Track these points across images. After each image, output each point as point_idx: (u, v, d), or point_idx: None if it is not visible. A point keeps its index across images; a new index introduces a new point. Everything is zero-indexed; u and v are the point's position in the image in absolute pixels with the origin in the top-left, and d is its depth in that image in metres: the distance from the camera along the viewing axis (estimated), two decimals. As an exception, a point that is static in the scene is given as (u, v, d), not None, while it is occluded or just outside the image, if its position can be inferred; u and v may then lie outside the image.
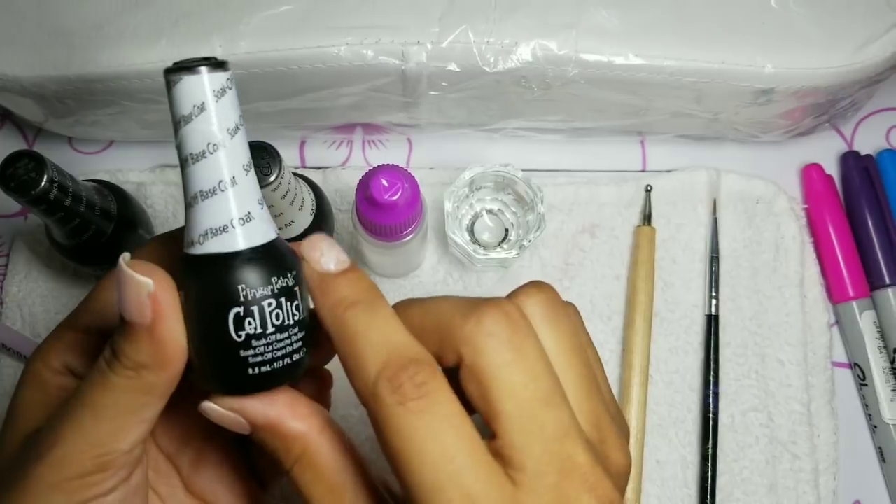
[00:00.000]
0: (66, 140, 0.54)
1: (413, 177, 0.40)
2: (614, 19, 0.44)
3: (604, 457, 0.23)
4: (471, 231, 0.49)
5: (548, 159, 0.54)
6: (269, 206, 0.40)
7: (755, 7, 0.44)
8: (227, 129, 0.23)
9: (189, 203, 0.23)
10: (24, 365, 0.28)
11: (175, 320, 0.23)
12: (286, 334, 0.24)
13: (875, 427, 0.50)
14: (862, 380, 0.50)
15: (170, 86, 0.22)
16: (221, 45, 0.43)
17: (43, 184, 0.38)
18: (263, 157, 0.38)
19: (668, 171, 0.53)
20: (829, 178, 0.53)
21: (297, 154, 0.54)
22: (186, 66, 0.22)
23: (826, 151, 0.55)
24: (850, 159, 0.53)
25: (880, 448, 0.50)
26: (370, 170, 0.39)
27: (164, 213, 0.51)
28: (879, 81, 0.47)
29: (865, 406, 0.50)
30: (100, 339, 0.28)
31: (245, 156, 0.23)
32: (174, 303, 0.23)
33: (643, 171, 0.54)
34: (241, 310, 0.23)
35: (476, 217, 0.49)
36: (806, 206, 0.53)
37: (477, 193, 0.49)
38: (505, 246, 0.48)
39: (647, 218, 0.51)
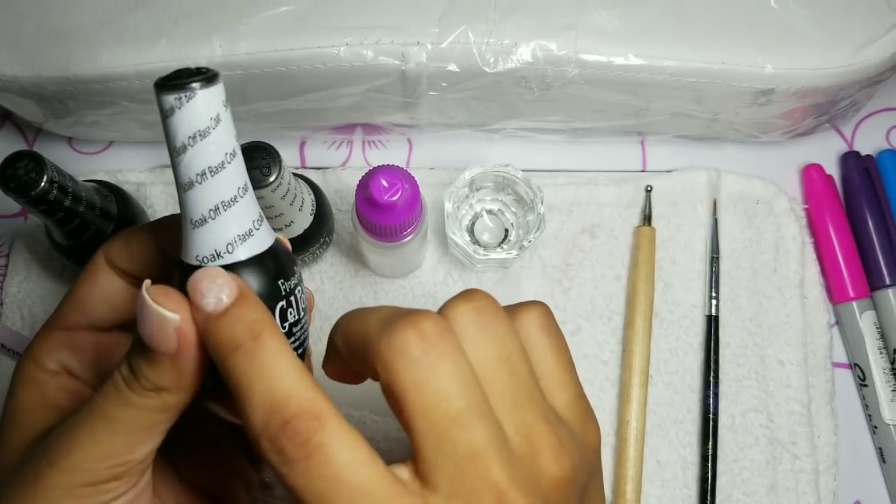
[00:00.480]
0: (66, 140, 0.54)
1: (413, 177, 0.40)
2: (614, 20, 0.44)
3: (532, 470, 0.22)
4: (471, 231, 0.49)
5: (548, 160, 0.54)
6: (269, 207, 0.40)
7: (755, 7, 0.44)
8: (235, 137, 0.23)
9: (210, 212, 0.24)
10: (15, 370, 0.28)
11: (197, 348, 0.23)
12: (306, 317, 0.26)
13: (875, 427, 0.50)
14: (862, 380, 0.50)
15: (170, 111, 0.22)
16: (221, 46, 0.43)
17: (43, 184, 0.38)
18: (263, 158, 0.38)
19: (668, 171, 0.53)
20: (830, 178, 0.53)
21: (297, 154, 0.54)
22: (176, 86, 0.22)
23: (826, 152, 0.55)
24: (851, 159, 0.53)
25: (880, 448, 0.50)
26: (370, 170, 0.39)
27: (163, 213, 0.51)
28: (879, 82, 0.47)
29: (865, 406, 0.50)
30: (89, 334, 0.28)
31: (243, 174, 0.24)
32: (196, 331, 0.23)
33: (643, 171, 0.54)
34: (283, 303, 0.24)
35: (476, 217, 0.49)
36: (806, 206, 0.53)
37: (477, 194, 0.49)
38: (505, 246, 0.48)
39: (647, 218, 0.51)
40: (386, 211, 0.39)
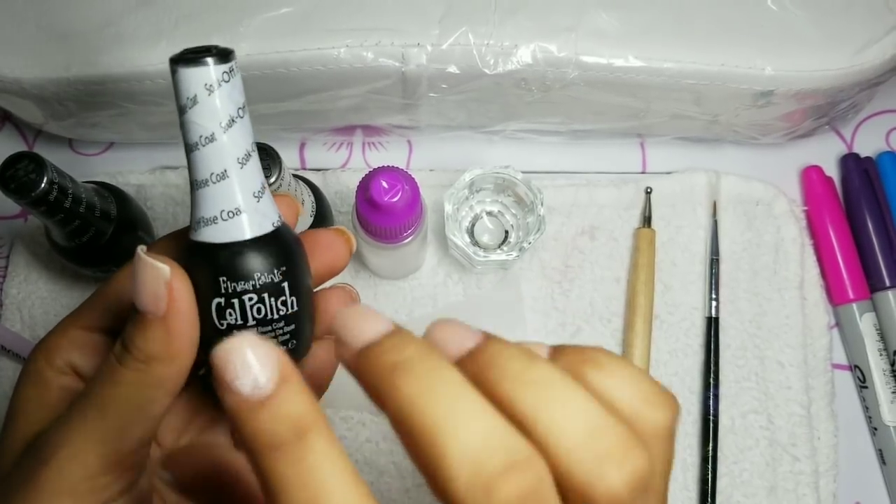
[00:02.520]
0: (67, 142, 0.54)
1: (413, 179, 0.40)
2: (614, 22, 0.44)
3: None
4: (471, 233, 0.49)
5: (548, 161, 0.54)
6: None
7: (755, 9, 0.44)
8: (220, 123, 0.23)
9: (190, 187, 0.24)
10: (26, 361, 0.28)
11: (190, 312, 0.23)
12: (269, 328, 0.24)
13: (875, 429, 0.50)
14: (862, 382, 0.50)
15: (171, 74, 0.23)
16: (221, 47, 0.43)
17: (43, 185, 0.38)
18: (263, 159, 0.38)
19: (668, 173, 0.53)
20: (829, 180, 0.53)
21: (297, 156, 0.54)
22: (187, 56, 0.23)
23: (826, 153, 0.55)
24: (850, 161, 0.53)
25: (880, 450, 0.50)
26: (370, 171, 0.40)
27: (164, 215, 0.51)
28: (879, 84, 0.47)
29: (865, 408, 0.50)
30: (108, 338, 0.28)
31: (241, 148, 0.23)
32: (189, 295, 0.23)
33: (643, 173, 0.54)
34: (221, 301, 0.24)
35: (476, 219, 0.49)
36: (806, 208, 0.53)
37: (477, 195, 0.49)
38: (505, 248, 0.48)
39: (646, 220, 0.51)
40: (386, 212, 0.39)
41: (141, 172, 0.52)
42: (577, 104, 0.47)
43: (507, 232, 0.49)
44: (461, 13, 0.43)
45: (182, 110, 0.23)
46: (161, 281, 0.22)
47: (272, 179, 0.38)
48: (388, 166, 0.39)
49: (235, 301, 0.24)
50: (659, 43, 0.44)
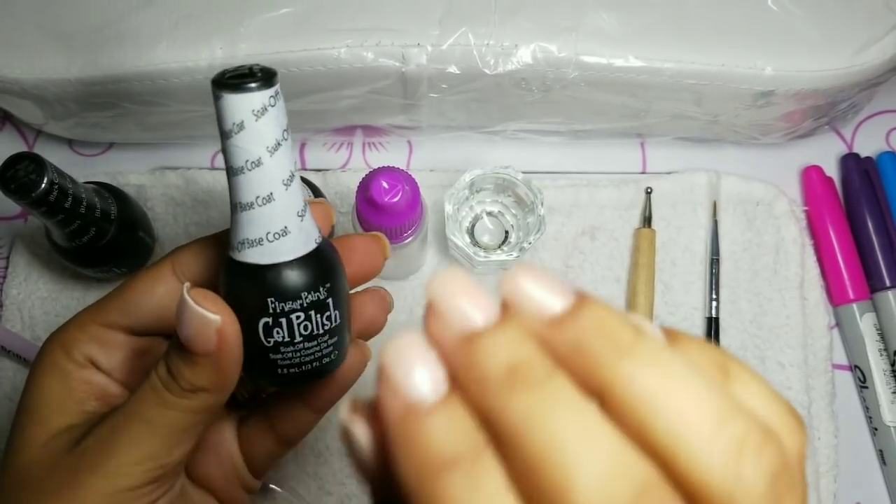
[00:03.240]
0: (67, 142, 0.54)
1: (413, 179, 0.40)
2: (614, 22, 0.44)
3: None
4: (471, 233, 0.49)
5: (548, 161, 0.54)
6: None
7: (755, 10, 0.44)
8: (267, 147, 0.23)
9: (232, 209, 0.24)
10: (41, 352, 0.27)
11: (237, 349, 0.23)
12: (314, 342, 0.25)
13: (876, 429, 0.50)
14: (862, 382, 0.50)
15: (214, 100, 0.22)
16: (222, 48, 0.43)
17: (43, 186, 0.38)
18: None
19: (668, 173, 0.53)
20: (830, 180, 0.53)
21: (298, 156, 0.54)
22: (231, 82, 0.22)
23: (826, 154, 0.55)
24: (850, 161, 0.53)
25: (881, 451, 0.49)
26: (370, 172, 0.40)
27: (164, 215, 0.51)
28: (879, 84, 0.47)
29: (866, 408, 0.50)
30: (124, 336, 0.28)
31: (286, 170, 0.23)
32: (237, 335, 0.23)
33: (643, 173, 0.54)
34: (269, 320, 0.24)
35: (476, 219, 0.49)
36: (806, 208, 0.53)
37: (477, 196, 0.49)
38: (505, 248, 0.48)
39: (647, 220, 0.51)
40: (386, 213, 0.39)
41: (141, 173, 0.52)
42: (577, 104, 0.47)
43: (507, 232, 0.49)
44: (461, 13, 0.43)
45: (226, 135, 0.22)
46: (212, 328, 0.23)
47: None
48: (389, 167, 0.39)
49: (283, 320, 0.24)
50: (659, 43, 0.44)
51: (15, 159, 0.38)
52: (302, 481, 0.46)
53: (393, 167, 0.39)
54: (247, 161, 0.23)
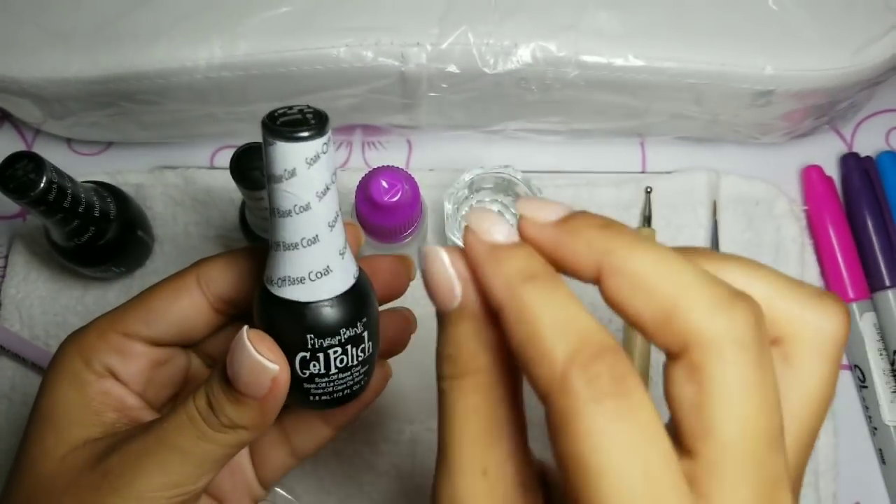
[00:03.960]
0: (65, 141, 0.54)
1: (413, 178, 0.40)
2: (614, 21, 0.44)
3: None
4: (470, 233, 0.49)
5: (547, 161, 0.53)
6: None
7: (755, 9, 0.44)
8: (317, 193, 0.23)
9: (273, 245, 0.24)
10: (58, 357, 0.27)
11: (284, 394, 0.24)
12: (348, 373, 0.25)
13: (875, 429, 0.50)
14: (862, 382, 0.50)
15: (264, 142, 0.22)
16: (221, 47, 0.43)
17: (42, 185, 0.38)
18: (262, 160, 0.38)
19: (668, 172, 0.53)
20: (829, 179, 0.53)
21: (297, 155, 0.53)
22: (285, 130, 0.22)
23: (826, 153, 0.55)
24: (850, 161, 0.53)
25: (880, 450, 0.49)
26: (370, 171, 0.39)
27: (163, 214, 0.51)
28: (879, 83, 0.47)
29: (865, 408, 0.50)
30: (144, 346, 0.28)
31: (332, 213, 0.23)
32: (288, 381, 0.24)
33: (643, 172, 0.54)
34: (307, 355, 0.24)
35: (476, 219, 0.49)
36: (806, 207, 0.53)
37: (477, 195, 0.49)
38: (504, 248, 0.48)
39: (646, 220, 0.51)
40: (386, 212, 0.39)
41: (140, 172, 0.52)
42: (577, 104, 0.47)
43: (506, 232, 0.49)
44: (461, 12, 0.43)
45: (275, 179, 0.22)
46: (268, 376, 0.23)
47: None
48: (388, 166, 0.39)
49: (321, 355, 0.24)
50: (659, 42, 0.44)
51: (14, 158, 0.38)
52: (302, 481, 0.46)
53: (392, 166, 0.39)
54: (295, 206, 0.23)
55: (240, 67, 0.43)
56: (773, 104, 0.46)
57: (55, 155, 0.51)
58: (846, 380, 0.51)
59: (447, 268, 0.21)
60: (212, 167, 0.53)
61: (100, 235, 0.44)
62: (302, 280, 0.24)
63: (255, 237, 0.44)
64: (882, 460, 0.49)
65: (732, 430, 0.18)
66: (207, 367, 0.31)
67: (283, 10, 0.43)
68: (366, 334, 0.25)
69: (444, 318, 0.21)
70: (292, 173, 0.22)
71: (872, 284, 0.51)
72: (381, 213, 0.39)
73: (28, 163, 0.38)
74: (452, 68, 0.44)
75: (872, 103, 0.53)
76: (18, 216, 0.52)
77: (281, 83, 0.45)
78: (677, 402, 0.19)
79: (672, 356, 0.19)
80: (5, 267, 0.51)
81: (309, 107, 0.23)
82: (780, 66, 0.44)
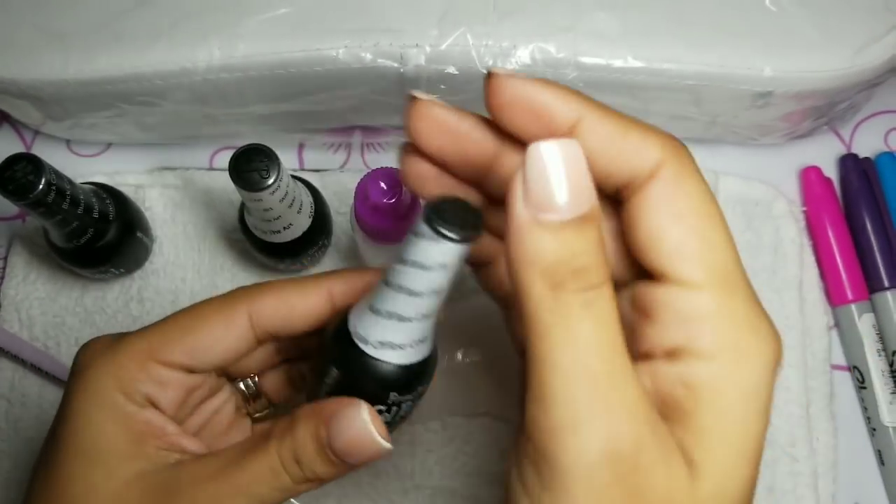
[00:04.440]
0: (64, 143, 0.54)
1: (411, 180, 0.40)
2: (613, 22, 0.44)
3: None
4: (469, 234, 0.49)
5: (546, 162, 0.53)
6: (268, 210, 0.40)
7: (754, 10, 0.44)
8: (449, 279, 0.24)
9: (375, 309, 0.24)
10: (88, 384, 0.26)
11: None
12: (406, 420, 0.27)
13: (874, 430, 0.50)
14: (861, 383, 0.50)
15: (425, 235, 0.22)
16: (219, 48, 0.43)
17: (41, 187, 0.38)
18: (262, 161, 0.38)
19: (667, 173, 0.53)
20: (828, 180, 0.53)
21: (296, 157, 0.53)
22: (450, 233, 0.22)
23: (825, 154, 0.55)
24: (849, 162, 0.53)
25: (879, 451, 0.50)
26: (369, 173, 0.39)
27: (162, 215, 0.51)
28: (878, 84, 0.47)
29: (864, 409, 0.50)
30: (186, 374, 0.27)
31: (445, 294, 0.24)
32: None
33: (642, 173, 0.54)
34: (384, 407, 0.26)
35: (475, 220, 0.49)
36: (805, 208, 0.53)
37: (475, 196, 0.49)
38: (504, 249, 0.48)
39: (645, 221, 0.51)
40: (385, 213, 0.39)
41: (139, 173, 0.52)
42: (575, 105, 0.47)
43: (505, 233, 0.49)
44: (460, 13, 0.43)
45: (420, 266, 0.23)
46: (377, 451, 0.24)
47: (271, 181, 0.38)
48: (387, 167, 0.39)
49: (395, 407, 0.26)
50: (658, 43, 0.44)
51: (12, 160, 0.38)
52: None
53: (392, 168, 0.39)
54: (429, 289, 0.23)
55: (238, 69, 0.43)
56: (773, 105, 0.46)
57: (54, 156, 0.51)
58: (845, 381, 0.51)
59: (584, 166, 0.20)
60: (211, 168, 0.52)
61: (99, 237, 0.44)
62: (402, 346, 0.25)
63: (254, 238, 0.44)
64: (881, 461, 0.50)
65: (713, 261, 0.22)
66: (229, 380, 0.31)
67: (281, 12, 0.43)
68: (428, 388, 0.27)
69: (566, 227, 0.19)
70: (443, 266, 0.23)
71: (871, 285, 0.51)
72: (381, 214, 0.39)
73: (27, 164, 0.38)
74: (451, 69, 0.44)
75: (871, 104, 0.53)
76: (18, 217, 0.52)
77: (280, 84, 0.45)
78: (657, 230, 0.22)
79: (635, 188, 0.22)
80: (4, 268, 0.51)
81: (468, 204, 0.23)
82: (780, 67, 0.44)
